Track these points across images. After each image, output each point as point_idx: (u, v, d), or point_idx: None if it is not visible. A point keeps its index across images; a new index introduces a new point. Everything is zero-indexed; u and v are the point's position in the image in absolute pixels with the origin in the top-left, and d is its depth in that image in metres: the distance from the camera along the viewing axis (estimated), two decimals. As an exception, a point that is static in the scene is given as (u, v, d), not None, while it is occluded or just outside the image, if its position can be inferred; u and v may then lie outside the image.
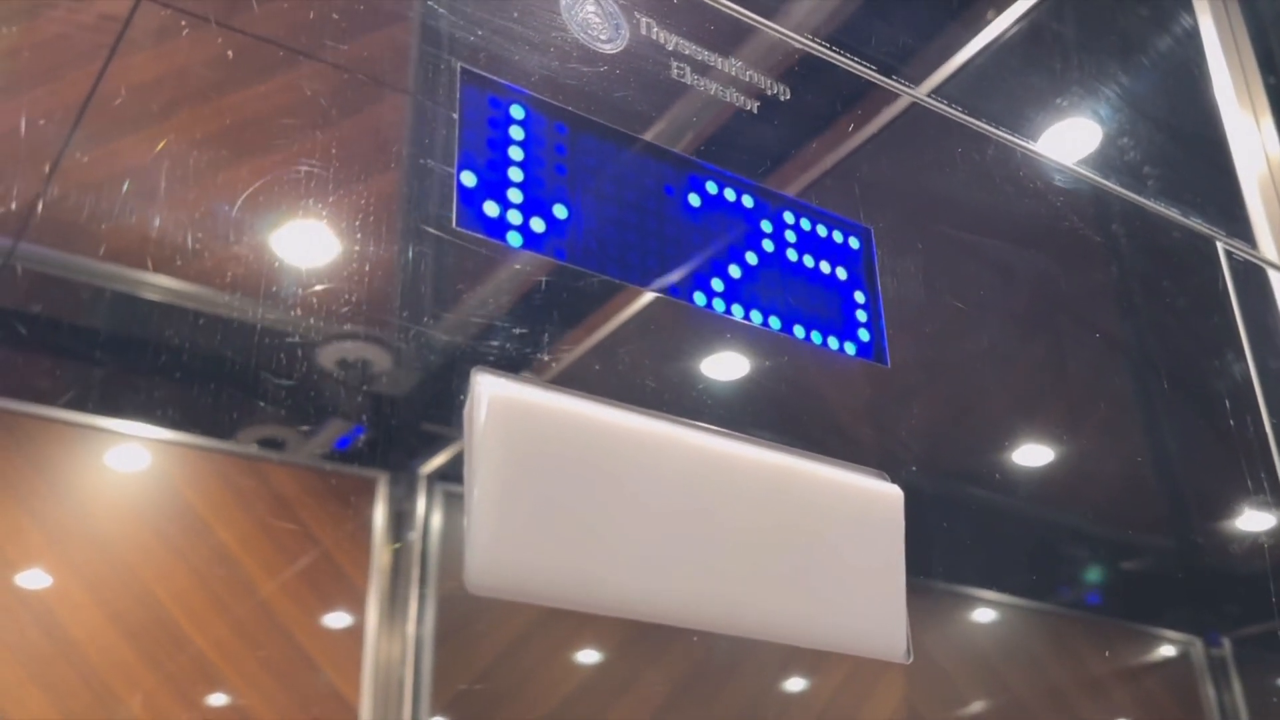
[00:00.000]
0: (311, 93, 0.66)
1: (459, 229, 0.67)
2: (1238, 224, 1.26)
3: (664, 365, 0.73)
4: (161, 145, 0.60)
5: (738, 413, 0.75)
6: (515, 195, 0.70)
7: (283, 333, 0.60)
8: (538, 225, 0.71)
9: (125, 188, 0.59)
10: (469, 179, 0.69)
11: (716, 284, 0.78)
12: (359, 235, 0.65)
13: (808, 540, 0.70)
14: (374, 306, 0.63)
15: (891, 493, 0.76)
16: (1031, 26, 1.16)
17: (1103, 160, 1.13)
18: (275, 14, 0.67)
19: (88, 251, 0.57)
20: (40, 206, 0.56)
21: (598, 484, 0.63)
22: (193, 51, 0.63)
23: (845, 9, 1.00)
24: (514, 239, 0.69)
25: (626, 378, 0.71)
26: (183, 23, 0.63)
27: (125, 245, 0.58)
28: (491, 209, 0.69)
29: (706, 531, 0.66)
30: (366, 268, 0.64)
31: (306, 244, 0.63)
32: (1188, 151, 1.30)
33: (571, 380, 0.67)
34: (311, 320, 0.61)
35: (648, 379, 0.72)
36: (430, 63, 0.71)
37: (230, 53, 0.64)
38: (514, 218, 0.70)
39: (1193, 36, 1.39)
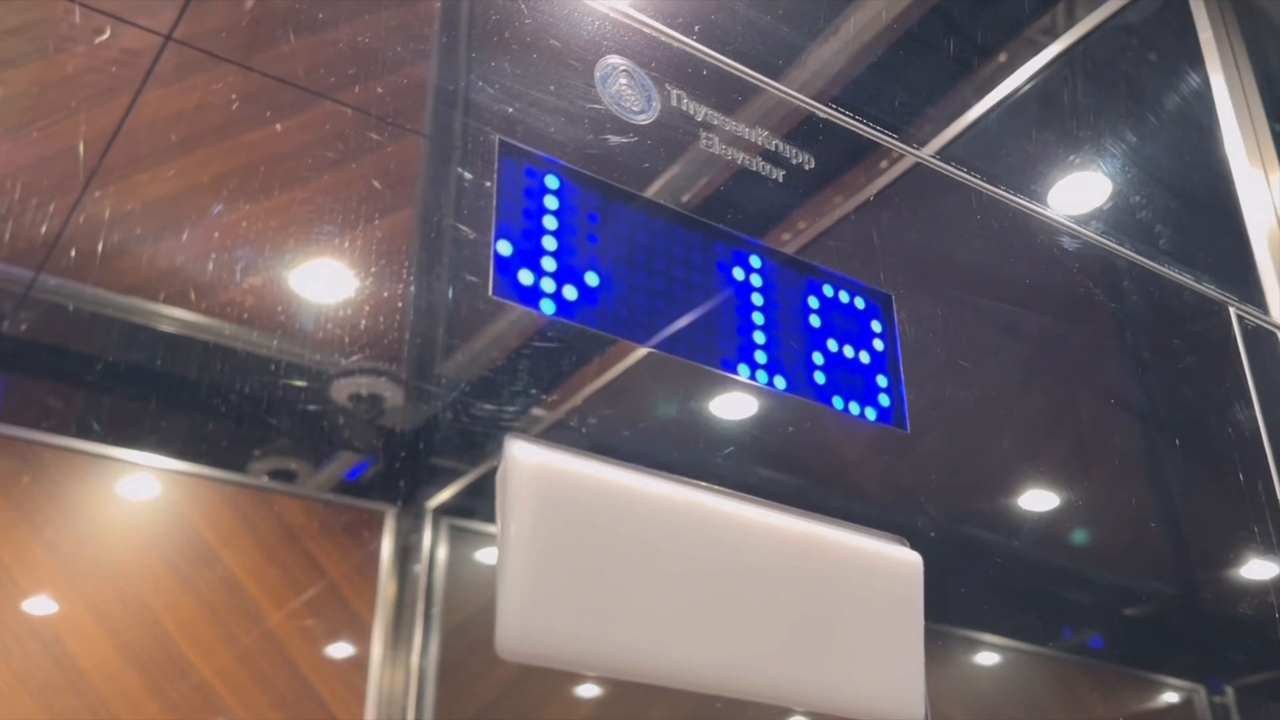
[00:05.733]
0: (338, 134, 0.68)
1: (495, 297, 0.69)
2: (1249, 287, 1.27)
3: (687, 430, 0.74)
4: (203, 179, 0.62)
5: (760, 476, 0.76)
6: (549, 264, 0.72)
7: (296, 366, 0.61)
8: (570, 293, 0.72)
9: (145, 222, 0.60)
10: (505, 248, 0.70)
11: (741, 349, 0.79)
12: (374, 274, 0.66)
13: (829, 607, 0.71)
14: (386, 343, 0.64)
15: (911, 559, 0.77)
16: (1042, 86, 1.17)
17: (1115, 221, 1.14)
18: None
19: (105, 284, 0.58)
20: (60, 239, 0.57)
21: (626, 551, 0.63)
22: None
23: (867, 78, 1.02)
24: (547, 306, 0.71)
25: (650, 441, 0.72)
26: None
27: (142, 278, 0.59)
28: (526, 277, 0.71)
29: (731, 598, 0.67)
30: (379, 305, 0.65)
31: (326, 281, 0.64)
32: (1199, 211, 1.31)
33: (597, 444, 0.68)
34: (324, 355, 0.62)
35: (671, 443, 0.73)
36: (473, 135, 0.72)
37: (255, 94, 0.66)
38: (547, 285, 0.71)
39: (1202, 94, 1.40)
